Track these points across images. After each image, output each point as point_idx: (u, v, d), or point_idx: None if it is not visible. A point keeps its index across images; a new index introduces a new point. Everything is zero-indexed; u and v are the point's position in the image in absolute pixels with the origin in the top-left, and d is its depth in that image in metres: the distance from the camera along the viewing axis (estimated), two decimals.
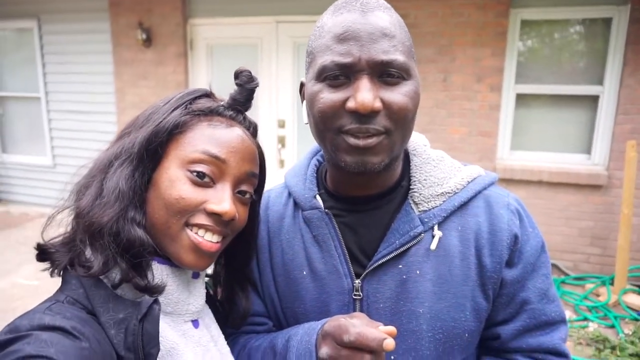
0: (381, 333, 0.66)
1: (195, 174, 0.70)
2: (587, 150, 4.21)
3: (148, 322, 0.64)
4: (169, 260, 0.73)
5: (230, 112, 0.78)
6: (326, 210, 0.87)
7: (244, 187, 0.76)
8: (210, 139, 0.72)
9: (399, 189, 0.87)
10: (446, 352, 0.82)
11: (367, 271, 0.82)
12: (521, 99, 4.31)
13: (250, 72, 0.80)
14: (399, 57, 0.73)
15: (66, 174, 5.95)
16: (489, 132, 4.31)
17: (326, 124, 0.75)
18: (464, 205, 0.84)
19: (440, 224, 0.83)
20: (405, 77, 0.74)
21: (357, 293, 0.83)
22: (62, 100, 5.84)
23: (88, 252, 0.67)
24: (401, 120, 0.74)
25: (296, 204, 0.93)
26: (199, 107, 0.75)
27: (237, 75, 0.80)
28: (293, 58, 4.88)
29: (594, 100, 4.12)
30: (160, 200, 0.70)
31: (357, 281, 0.83)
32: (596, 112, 4.12)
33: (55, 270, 0.70)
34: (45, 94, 5.89)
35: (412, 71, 0.76)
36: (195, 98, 0.77)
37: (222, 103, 0.79)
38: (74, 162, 5.80)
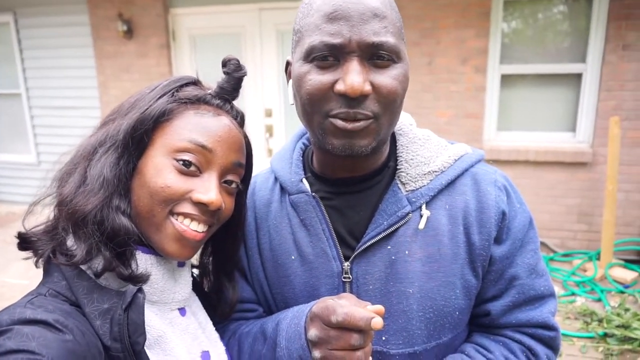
0: (369, 312, 0.66)
1: (181, 162, 0.69)
2: (572, 128, 4.26)
3: (133, 312, 0.64)
4: (153, 249, 0.73)
5: (218, 101, 0.77)
6: (313, 193, 0.86)
7: (230, 177, 0.76)
8: (197, 127, 0.71)
9: (386, 169, 0.87)
10: (437, 331, 0.82)
11: (355, 253, 0.82)
12: (506, 79, 4.33)
13: (238, 61, 0.79)
14: (390, 38, 0.71)
15: (52, 171, 5.83)
16: (475, 113, 4.33)
17: (314, 107, 0.74)
18: (451, 183, 0.84)
19: (428, 204, 0.83)
20: (396, 60, 0.73)
21: (347, 276, 0.83)
22: (44, 96, 5.73)
23: (70, 241, 0.67)
24: (390, 104, 0.73)
25: (283, 189, 0.93)
26: (185, 95, 0.74)
27: (224, 63, 0.78)
28: (277, 46, 4.84)
29: (577, 78, 4.16)
30: (145, 188, 0.69)
31: (346, 264, 0.83)
32: (580, 90, 4.16)
33: (39, 261, 0.70)
34: (26, 89, 5.77)
35: (402, 54, 0.74)
36: (182, 85, 0.76)
37: (209, 91, 0.78)
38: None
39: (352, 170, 0.85)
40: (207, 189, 0.70)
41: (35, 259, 0.70)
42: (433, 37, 4.28)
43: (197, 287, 0.88)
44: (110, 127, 0.72)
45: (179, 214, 0.70)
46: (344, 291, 0.84)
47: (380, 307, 0.68)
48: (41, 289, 0.67)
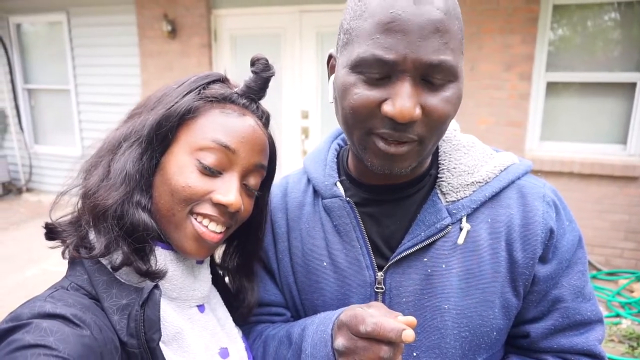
0: (400, 323, 0.62)
1: (203, 164, 0.69)
2: (623, 140, 4.04)
3: (149, 308, 0.63)
4: (171, 246, 0.72)
5: (244, 101, 0.76)
6: (347, 199, 0.83)
7: (251, 179, 0.75)
8: (222, 127, 0.70)
9: (427, 177, 0.82)
10: (472, 350, 0.78)
11: (390, 263, 0.79)
12: (552, 87, 4.16)
13: (266, 60, 0.77)
14: (449, 57, 0.64)
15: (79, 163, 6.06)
16: (517, 122, 4.18)
17: (356, 122, 0.70)
18: (495, 195, 0.79)
19: (469, 216, 0.78)
20: (452, 79, 0.67)
21: (380, 286, 0.79)
22: (91, 92, 5.96)
23: (92, 234, 0.67)
24: (439, 128, 0.69)
25: (316, 191, 0.89)
26: (212, 93, 0.73)
27: (253, 62, 0.77)
28: (317, 48, 4.84)
29: (630, 87, 3.94)
30: (167, 186, 0.69)
31: (380, 274, 0.79)
32: (633, 101, 3.94)
33: (66, 252, 0.70)
34: (75, 86, 6.02)
35: (459, 71, 0.68)
36: (209, 83, 0.75)
37: (235, 90, 0.76)
38: None
39: (391, 178, 0.81)
40: (228, 190, 0.70)
41: (62, 249, 0.70)
42: (476, 42, 4.16)
43: (219, 282, 0.87)
44: (136, 122, 0.71)
45: (198, 214, 0.70)
46: (376, 301, 0.80)
47: (412, 319, 0.64)
48: (64, 282, 0.68)
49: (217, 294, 0.85)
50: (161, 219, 0.70)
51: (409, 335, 0.60)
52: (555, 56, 4.12)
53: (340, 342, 0.67)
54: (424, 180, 0.82)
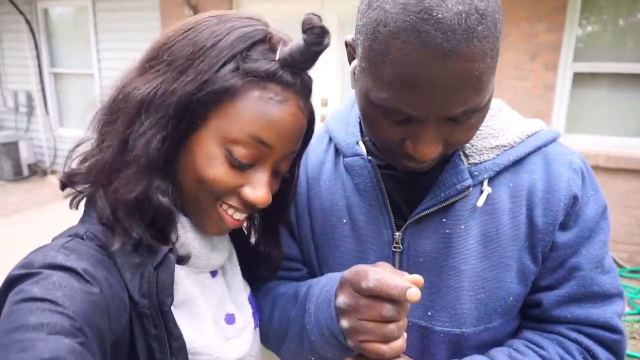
0: (405, 281, 0.59)
1: (234, 158, 0.64)
2: None
3: (163, 271, 0.63)
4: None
5: (288, 78, 0.65)
6: (369, 157, 0.81)
7: (282, 165, 0.71)
8: (260, 118, 0.63)
9: None
10: (488, 314, 0.77)
11: (408, 223, 0.78)
12: (579, 78, 4.04)
13: (322, 28, 0.63)
14: (477, 101, 0.59)
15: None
16: (542, 113, 4.08)
17: (380, 144, 0.72)
18: (519, 160, 0.77)
19: (490, 179, 0.76)
20: (479, 109, 0.62)
21: (397, 245, 0.79)
22: (114, 77, 6.00)
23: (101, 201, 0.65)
24: (460, 147, 0.72)
25: (337, 150, 0.88)
26: (253, 68, 0.63)
27: (305, 28, 0.63)
28: (338, 36, 4.79)
29: None
30: (194, 173, 0.65)
31: (398, 233, 0.79)
32: None
33: (74, 202, 0.69)
34: (99, 70, 6.11)
35: (489, 92, 0.62)
36: (250, 46, 0.64)
37: (279, 60, 0.65)
38: None
39: None
40: (257, 185, 0.67)
41: (72, 198, 0.69)
42: (502, 31, 4.06)
43: (239, 242, 0.86)
44: (159, 82, 0.62)
45: (225, 203, 0.68)
46: (394, 261, 0.79)
47: (418, 277, 0.62)
48: (80, 229, 0.66)
49: (235, 257, 0.84)
50: (185, 199, 0.69)
51: (413, 293, 0.58)
52: (583, 46, 4.00)
53: (342, 299, 0.65)
54: None
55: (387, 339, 0.62)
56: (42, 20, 6.37)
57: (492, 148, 0.77)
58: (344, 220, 0.83)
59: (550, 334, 0.78)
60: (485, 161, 0.76)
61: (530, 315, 0.81)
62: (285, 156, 0.69)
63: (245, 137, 0.63)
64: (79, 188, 0.68)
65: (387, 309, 0.61)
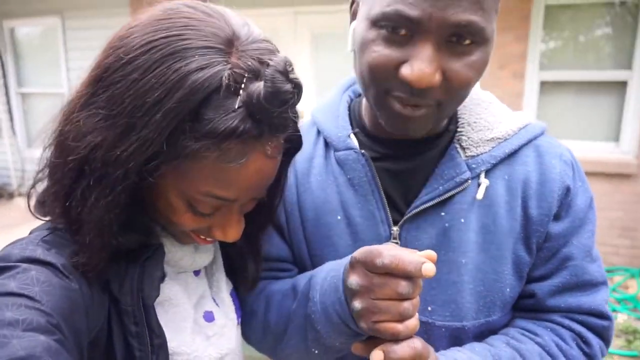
0: (419, 256, 0.58)
1: (197, 210, 0.60)
2: (616, 138, 4.07)
3: (151, 265, 0.62)
4: None
5: (252, 130, 0.53)
6: (362, 151, 0.79)
7: (250, 206, 0.68)
8: (218, 180, 0.55)
9: (446, 133, 0.80)
10: (487, 306, 0.76)
11: (405, 217, 0.76)
12: (546, 86, 4.19)
13: (286, 65, 0.53)
14: (478, 18, 0.59)
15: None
16: None
17: (373, 81, 0.67)
18: (513, 153, 0.77)
19: (487, 172, 0.76)
20: (479, 42, 0.62)
21: (395, 241, 0.77)
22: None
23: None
24: (459, 94, 0.66)
25: (327, 144, 0.85)
26: (208, 130, 0.51)
27: (262, 63, 0.52)
28: (312, 50, 4.86)
29: (622, 85, 3.98)
30: (160, 214, 0.62)
31: (395, 228, 0.77)
32: (624, 98, 3.97)
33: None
34: (69, 89, 5.99)
35: (489, 32, 0.63)
36: (205, 99, 0.51)
37: (239, 107, 0.52)
38: None
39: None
40: (226, 227, 0.64)
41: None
42: None
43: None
44: (100, 140, 0.52)
45: (198, 233, 0.66)
46: None
47: (431, 253, 0.60)
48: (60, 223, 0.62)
49: (219, 257, 0.82)
50: (159, 222, 0.66)
51: (429, 268, 0.56)
52: (548, 55, 4.16)
53: (354, 280, 0.61)
54: (443, 136, 0.80)
55: (402, 317, 0.59)
56: (9, 40, 6.24)
57: (487, 140, 0.77)
58: (339, 217, 0.80)
59: (544, 322, 0.79)
60: (481, 154, 0.76)
61: (524, 306, 0.81)
62: (253, 200, 0.65)
63: (203, 197, 0.57)
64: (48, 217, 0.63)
65: (403, 286, 0.58)
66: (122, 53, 0.52)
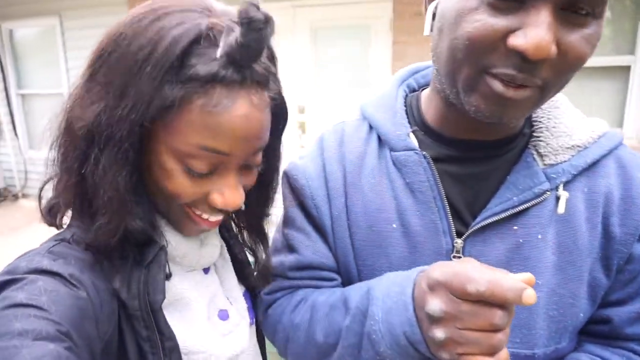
0: (518, 281, 0.50)
1: (193, 170, 0.59)
2: (620, 123, 4.05)
3: (154, 268, 0.62)
4: None
5: (233, 75, 0.56)
6: (424, 152, 0.71)
7: (251, 162, 0.65)
8: (206, 128, 0.56)
9: (520, 136, 0.72)
10: (558, 333, 0.69)
11: (472, 229, 0.69)
12: None
13: (261, 21, 0.53)
14: None
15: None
16: None
17: (469, 56, 0.57)
18: (594, 163, 0.69)
19: (565, 183, 0.68)
20: (596, 14, 0.55)
21: (458, 255, 0.70)
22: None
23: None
24: (569, 73, 0.58)
25: (380, 141, 0.77)
26: (191, 75, 0.55)
27: (241, 22, 0.54)
28: (311, 42, 4.83)
29: (625, 70, 3.95)
30: (157, 186, 0.62)
31: (459, 241, 0.69)
32: (628, 84, 3.95)
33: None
34: (69, 89, 5.97)
35: (605, 6, 0.56)
36: (188, 48, 0.55)
37: (221, 56, 0.55)
38: None
39: (481, 133, 0.70)
40: (225, 190, 0.63)
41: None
42: None
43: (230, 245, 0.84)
44: (101, 110, 0.56)
45: (197, 208, 0.65)
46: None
47: (530, 276, 0.52)
48: (66, 233, 0.64)
49: (227, 255, 0.82)
50: (158, 207, 0.66)
51: (530, 295, 0.48)
52: None
53: (437, 305, 0.54)
54: (517, 139, 0.71)
55: (494, 350, 0.52)
56: (8, 41, 6.22)
57: (567, 148, 0.69)
58: (394, 225, 0.72)
59: (619, 349, 0.72)
60: (561, 162, 0.68)
61: (596, 332, 0.74)
62: (249, 155, 0.63)
63: (196, 151, 0.58)
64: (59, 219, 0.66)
65: (499, 317, 0.51)
66: (114, 34, 0.58)
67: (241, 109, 0.58)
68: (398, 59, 4.45)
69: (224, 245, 0.81)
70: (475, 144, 0.71)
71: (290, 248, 0.81)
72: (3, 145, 6.54)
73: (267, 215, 0.81)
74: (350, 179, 0.77)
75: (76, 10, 5.67)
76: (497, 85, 0.57)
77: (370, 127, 0.80)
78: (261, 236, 0.82)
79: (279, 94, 0.67)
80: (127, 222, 0.59)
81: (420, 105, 0.78)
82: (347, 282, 0.79)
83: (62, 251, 0.59)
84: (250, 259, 0.86)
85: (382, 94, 0.82)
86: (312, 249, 0.79)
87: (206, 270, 0.75)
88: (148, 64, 0.54)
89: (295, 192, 0.82)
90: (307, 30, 4.80)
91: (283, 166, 0.83)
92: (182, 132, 0.57)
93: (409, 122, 0.76)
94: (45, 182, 0.66)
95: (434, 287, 0.55)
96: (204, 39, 0.55)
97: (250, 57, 0.56)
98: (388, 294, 0.62)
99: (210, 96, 0.56)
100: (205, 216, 0.66)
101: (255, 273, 0.83)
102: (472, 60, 0.57)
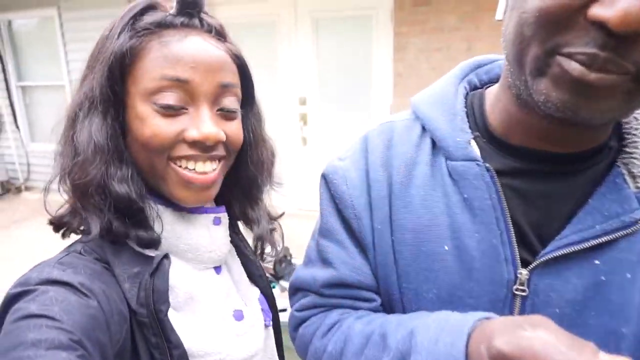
0: None
1: (162, 107, 0.62)
2: None
3: (158, 278, 0.62)
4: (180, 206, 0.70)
5: (182, 19, 0.65)
6: (487, 165, 0.61)
7: (225, 102, 0.67)
8: (164, 59, 0.62)
9: (607, 150, 0.59)
10: None
11: (541, 260, 0.57)
12: None
13: None
14: None
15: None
16: None
17: (538, 32, 0.47)
18: None
19: None
20: None
21: (522, 287, 0.59)
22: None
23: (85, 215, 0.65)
24: None
25: (434, 146, 0.67)
26: (143, 25, 0.64)
27: None
28: (312, 33, 4.80)
29: None
30: (137, 142, 0.64)
31: (524, 271, 0.58)
32: None
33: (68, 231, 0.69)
34: (70, 81, 5.96)
35: None
36: (139, 14, 0.65)
37: (170, 12, 0.66)
38: None
39: (557, 143, 0.58)
40: (199, 123, 0.63)
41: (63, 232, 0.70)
42: (473, 22, 4.13)
43: (240, 250, 0.85)
44: (85, 85, 0.65)
45: (178, 158, 0.64)
46: (512, 306, 0.60)
47: (623, 358, 0.42)
48: (77, 245, 0.66)
49: (235, 254, 0.83)
50: (148, 177, 0.67)
51: None
52: None
53: None
54: (602, 154, 0.59)
55: None
56: (6, 32, 6.19)
57: None
58: (446, 247, 0.62)
59: None
60: None
61: None
62: (217, 89, 0.65)
63: (158, 82, 0.62)
64: (71, 226, 0.68)
65: None
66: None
67: (195, 40, 0.64)
68: (399, 49, 4.43)
69: (232, 246, 0.82)
70: (549, 156, 0.59)
71: (325, 262, 0.73)
72: (4, 138, 6.54)
73: (257, 199, 0.82)
74: (397, 189, 0.67)
75: (74, 1, 5.62)
76: (573, 66, 0.45)
77: (424, 129, 0.69)
78: (255, 220, 0.83)
79: (240, 56, 0.71)
80: (109, 183, 0.62)
81: (484, 106, 0.67)
82: (387, 304, 0.70)
83: (71, 261, 0.61)
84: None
85: (439, 90, 0.70)
86: (349, 265, 0.70)
87: (218, 270, 0.76)
88: (111, 30, 0.65)
89: (335, 200, 0.73)
90: (308, 21, 4.76)
91: (276, 150, 0.83)
92: (147, 71, 0.62)
93: (470, 127, 0.65)
94: (55, 177, 0.68)
95: (497, 357, 0.46)
96: (156, 7, 0.67)
97: (195, 3, 0.66)
98: (436, 341, 0.53)
99: (164, 35, 0.64)
100: (191, 166, 0.65)
101: (266, 275, 0.86)
102: (543, 36, 0.47)
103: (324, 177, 0.75)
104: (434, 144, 0.67)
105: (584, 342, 0.43)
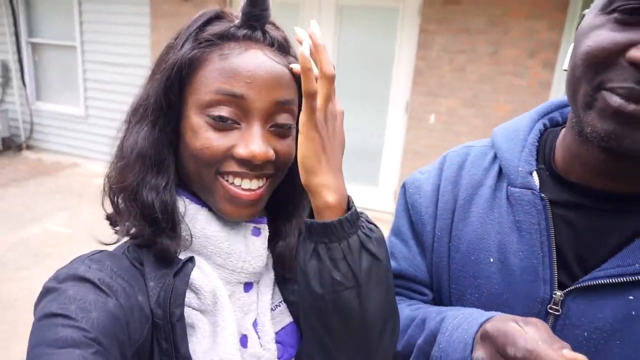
0: (558, 359, 0.49)
1: (214, 118, 0.61)
2: None
3: (179, 279, 0.61)
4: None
5: (245, 31, 0.64)
6: (542, 194, 0.67)
7: (279, 119, 0.64)
8: (223, 73, 0.61)
9: None
10: None
11: (577, 286, 0.63)
12: None
13: None
14: None
15: (98, 125, 6.01)
16: None
17: (586, 72, 0.55)
18: None
19: None
20: None
21: (555, 307, 0.65)
22: (98, 50, 5.79)
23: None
24: None
25: (501, 173, 0.75)
26: (207, 36, 0.63)
27: None
28: (335, 21, 4.70)
29: None
30: (188, 151, 0.64)
31: (559, 293, 0.65)
32: None
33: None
34: (81, 43, 5.84)
35: None
36: (205, 24, 0.65)
37: (235, 23, 0.65)
38: (106, 114, 5.81)
39: (612, 182, 0.63)
40: (248, 141, 0.62)
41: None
42: (501, 26, 4.05)
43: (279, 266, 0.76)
44: (144, 90, 0.67)
45: (226, 173, 0.64)
46: (545, 322, 0.65)
47: (582, 358, 0.50)
48: (124, 245, 0.68)
49: (272, 277, 0.75)
50: (194, 185, 0.67)
51: None
52: None
53: (480, 355, 0.58)
54: None
55: None
56: None
57: None
58: (491, 260, 0.71)
59: None
60: None
61: None
62: (272, 106, 0.63)
63: (214, 96, 0.61)
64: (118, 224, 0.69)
65: None
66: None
67: (254, 54, 0.63)
68: (423, 46, 4.34)
69: (270, 263, 0.74)
70: (603, 194, 0.64)
71: (391, 256, 0.85)
72: (10, 94, 6.43)
73: (292, 215, 0.75)
74: (461, 204, 0.77)
75: None
76: (614, 99, 0.53)
77: (495, 157, 0.77)
78: (290, 219, 0.75)
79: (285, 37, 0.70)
80: (141, 188, 0.63)
81: (554, 142, 0.73)
82: (438, 300, 0.81)
83: (101, 258, 0.62)
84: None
85: (517, 123, 0.78)
86: (410, 261, 0.83)
87: (247, 288, 0.69)
88: (177, 38, 0.65)
89: (408, 206, 0.86)
90: (333, 8, 4.66)
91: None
92: (204, 84, 0.62)
93: (537, 160, 0.72)
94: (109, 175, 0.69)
95: (484, 338, 0.58)
96: (223, 16, 0.66)
97: (261, 10, 0.63)
98: (457, 327, 0.65)
99: (225, 47, 0.63)
100: (237, 182, 0.64)
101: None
102: (590, 75, 0.55)
103: (404, 185, 0.88)
104: (501, 170, 0.75)
105: (556, 338, 0.53)
